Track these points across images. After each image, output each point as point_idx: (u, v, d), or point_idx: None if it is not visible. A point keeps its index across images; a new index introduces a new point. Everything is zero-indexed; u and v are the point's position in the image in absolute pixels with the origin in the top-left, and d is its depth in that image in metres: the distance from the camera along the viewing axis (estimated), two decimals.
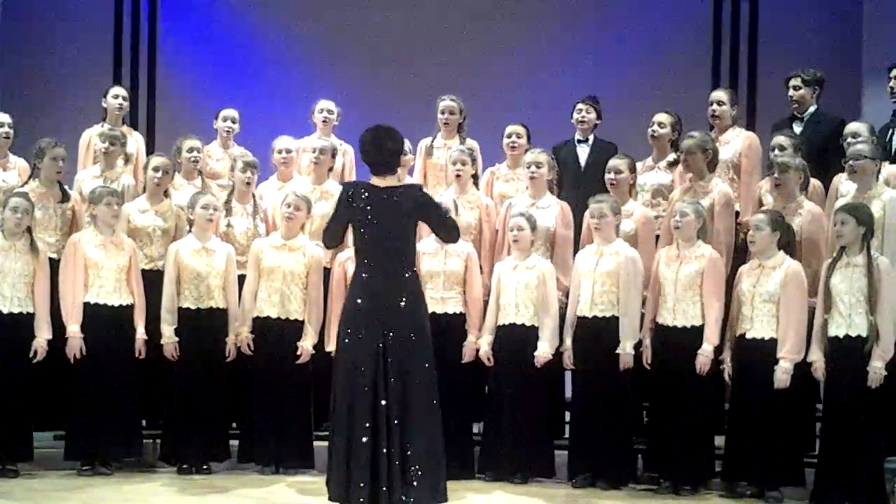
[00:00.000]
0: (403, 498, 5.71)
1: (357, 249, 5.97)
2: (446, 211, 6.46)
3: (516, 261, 7.39)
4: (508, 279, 7.36)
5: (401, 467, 5.69)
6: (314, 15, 10.95)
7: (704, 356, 6.96)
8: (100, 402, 7.22)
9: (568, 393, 7.67)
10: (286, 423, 7.39)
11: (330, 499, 5.89)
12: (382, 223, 5.86)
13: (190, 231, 7.55)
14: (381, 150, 5.98)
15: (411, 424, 5.74)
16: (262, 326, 7.45)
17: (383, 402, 5.73)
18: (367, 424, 5.71)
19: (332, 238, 6.15)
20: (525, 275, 7.33)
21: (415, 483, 5.72)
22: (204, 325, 7.41)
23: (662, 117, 8.06)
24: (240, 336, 7.42)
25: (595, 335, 7.17)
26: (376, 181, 5.98)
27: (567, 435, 7.58)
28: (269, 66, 10.86)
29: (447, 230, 6.14)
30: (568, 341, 7.27)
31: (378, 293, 5.83)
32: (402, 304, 5.83)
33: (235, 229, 7.82)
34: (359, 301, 5.84)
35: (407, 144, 8.23)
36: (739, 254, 7.42)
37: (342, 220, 6.03)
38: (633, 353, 7.13)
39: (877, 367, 6.57)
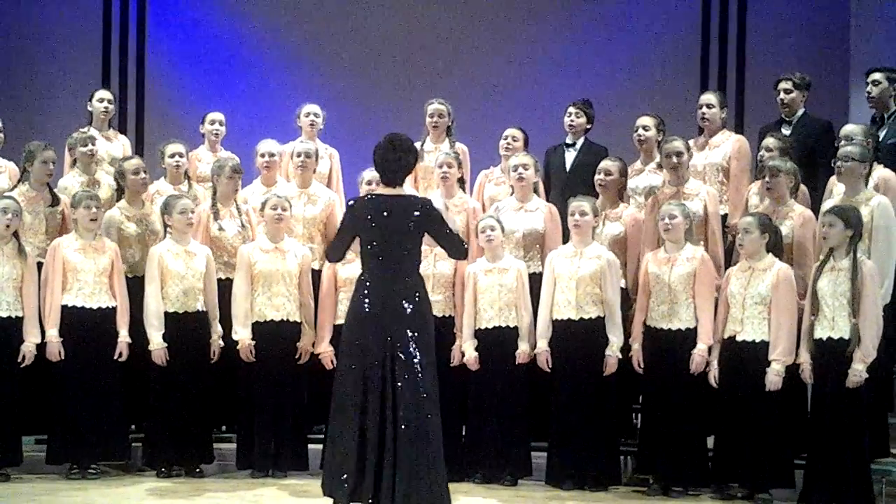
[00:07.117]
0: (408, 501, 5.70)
1: (363, 256, 5.98)
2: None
3: (490, 263, 7.38)
4: (485, 282, 7.34)
5: (408, 472, 5.68)
6: (303, 19, 10.96)
7: (700, 356, 6.97)
8: (81, 405, 7.22)
9: None
10: (282, 426, 7.38)
11: (325, 494, 5.86)
12: (388, 229, 5.87)
13: (167, 235, 7.49)
14: (398, 161, 5.97)
15: (419, 428, 5.72)
16: (262, 331, 7.42)
17: (389, 408, 5.72)
18: (374, 427, 5.70)
19: (336, 251, 6.15)
20: (502, 277, 7.32)
21: (421, 487, 5.70)
22: (187, 328, 7.37)
23: (647, 120, 8.04)
24: (241, 343, 7.36)
25: (581, 337, 7.15)
26: (383, 190, 6.00)
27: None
28: (258, 70, 10.86)
29: (457, 246, 6.09)
30: (543, 343, 7.25)
31: (383, 298, 5.84)
32: (408, 308, 5.85)
33: (227, 233, 7.79)
34: (365, 305, 5.86)
35: None
36: (726, 256, 7.43)
37: (349, 232, 6.02)
38: (620, 355, 7.13)
39: (857, 370, 6.57)
